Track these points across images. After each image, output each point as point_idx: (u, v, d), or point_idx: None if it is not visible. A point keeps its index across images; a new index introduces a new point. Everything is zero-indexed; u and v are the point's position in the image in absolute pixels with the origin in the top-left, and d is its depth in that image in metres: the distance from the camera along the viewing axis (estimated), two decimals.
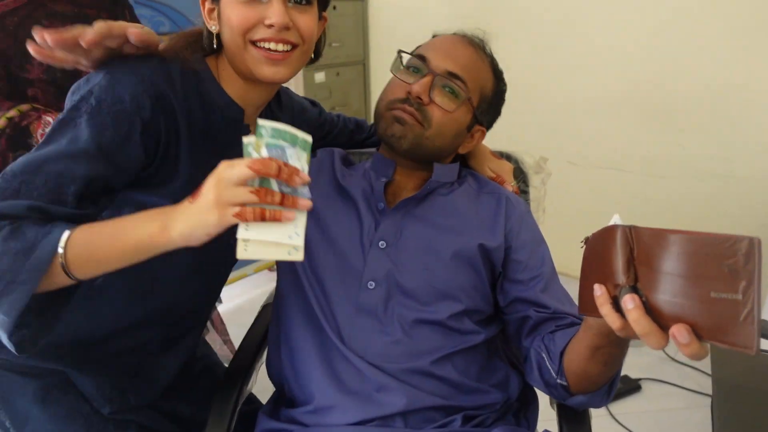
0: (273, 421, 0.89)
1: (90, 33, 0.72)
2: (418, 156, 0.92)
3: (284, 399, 0.93)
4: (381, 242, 0.88)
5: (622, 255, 0.56)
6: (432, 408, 0.83)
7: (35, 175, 0.66)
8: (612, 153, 2.26)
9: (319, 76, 2.70)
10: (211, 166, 0.64)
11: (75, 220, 0.67)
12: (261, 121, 0.63)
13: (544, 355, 0.82)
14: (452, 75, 0.89)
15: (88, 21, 1.06)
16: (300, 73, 2.62)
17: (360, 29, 2.84)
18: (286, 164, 0.62)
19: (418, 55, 0.91)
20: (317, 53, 0.90)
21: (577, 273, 0.67)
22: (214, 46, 0.82)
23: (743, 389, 0.74)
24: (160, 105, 0.74)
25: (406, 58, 0.94)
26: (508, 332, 0.93)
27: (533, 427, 0.94)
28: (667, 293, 0.52)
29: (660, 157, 2.14)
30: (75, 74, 0.88)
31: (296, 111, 1.04)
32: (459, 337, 0.86)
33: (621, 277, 0.56)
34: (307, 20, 0.79)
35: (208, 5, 0.81)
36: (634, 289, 0.55)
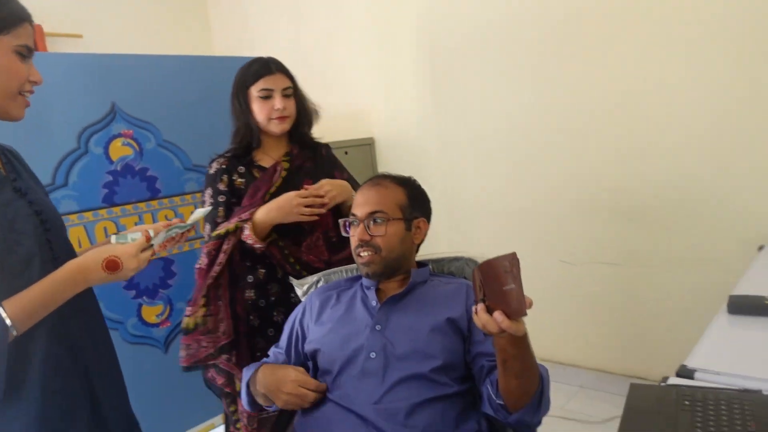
0: None
1: None
2: (389, 271, 1.31)
3: None
4: (377, 326, 1.24)
5: (476, 282, 0.94)
6: None
7: None
8: (598, 250, 2.57)
9: None
10: None
11: None
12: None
13: (488, 386, 1.11)
14: (372, 213, 1.29)
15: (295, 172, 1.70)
16: None
17: (369, 168, 3.32)
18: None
19: (352, 214, 1.33)
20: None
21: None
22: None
23: (643, 413, 0.99)
24: None
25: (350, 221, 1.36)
26: (477, 384, 1.20)
27: None
28: (492, 296, 0.92)
29: (640, 250, 2.45)
30: None
31: None
32: (438, 387, 1.15)
33: (479, 295, 0.94)
34: None
35: None
36: (483, 301, 0.93)
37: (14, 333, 0.91)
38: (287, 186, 1.60)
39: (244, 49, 3.68)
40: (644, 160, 2.39)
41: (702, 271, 2.29)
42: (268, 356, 1.40)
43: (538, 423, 1.10)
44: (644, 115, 2.36)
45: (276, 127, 1.63)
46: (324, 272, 1.60)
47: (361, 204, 1.31)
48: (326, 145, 1.81)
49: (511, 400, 1.06)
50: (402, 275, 1.33)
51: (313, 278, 1.59)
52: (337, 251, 1.66)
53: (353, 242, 1.31)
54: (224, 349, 1.57)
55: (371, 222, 1.29)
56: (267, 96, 1.60)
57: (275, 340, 1.50)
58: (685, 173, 2.29)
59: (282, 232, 1.59)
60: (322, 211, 1.55)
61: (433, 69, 3.01)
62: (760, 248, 2.03)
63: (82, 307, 1.10)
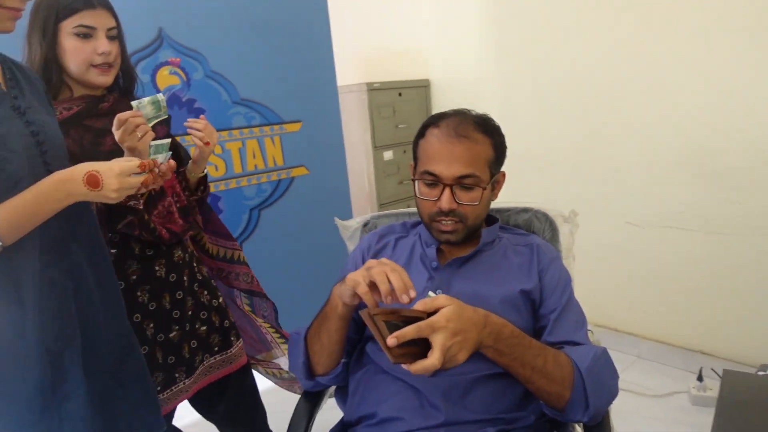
0: None
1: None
2: (469, 238, 1.13)
3: (351, 421, 1.10)
4: (437, 290, 1.08)
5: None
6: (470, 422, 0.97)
7: None
8: (668, 212, 2.35)
9: (388, 155, 2.99)
10: None
11: None
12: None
13: None
14: (463, 177, 1.06)
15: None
16: (370, 152, 2.92)
17: (424, 111, 3.14)
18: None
19: (427, 172, 1.08)
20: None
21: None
22: None
23: (745, 405, 0.85)
24: None
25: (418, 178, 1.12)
26: None
27: None
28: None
29: (716, 214, 2.21)
30: None
31: None
32: None
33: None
34: None
35: None
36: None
37: (1, 243, 0.90)
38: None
39: None
40: (731, 118, 2.11)
41: None
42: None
43: (599, 417, 0.98)
44: (734, 70, 2.07)
45: (97, 78, 1.28)
46: (373, 215, 1.48)
47: (446, 161, 1.05)
48: None
49: (543, 398, 0.96)
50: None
51: (360, 220, 1.47)
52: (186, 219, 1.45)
53: (426, 207, 1.10)
54: None
55: (458, 187, 1.07)
56: (86, 35, 1.24)
57: (141, 325, 1.34)
58: None
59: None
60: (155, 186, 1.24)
61: (498, 8, 2.75)
62: None
63: (81, 230, 1.07)
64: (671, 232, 2.36)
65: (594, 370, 0.94)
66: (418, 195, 1.12)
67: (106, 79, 1.31)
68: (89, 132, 1.30)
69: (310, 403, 1.15)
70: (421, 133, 1.13)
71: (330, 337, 1.03)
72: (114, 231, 1.30)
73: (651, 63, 2.29)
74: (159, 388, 1.40)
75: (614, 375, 1.00)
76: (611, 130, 2.46)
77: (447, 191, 1.05)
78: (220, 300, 1.56)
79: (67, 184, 0.94)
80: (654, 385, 2.28)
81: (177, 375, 1.44)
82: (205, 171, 1.50)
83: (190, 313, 1.46)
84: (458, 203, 1.07)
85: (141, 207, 1.28)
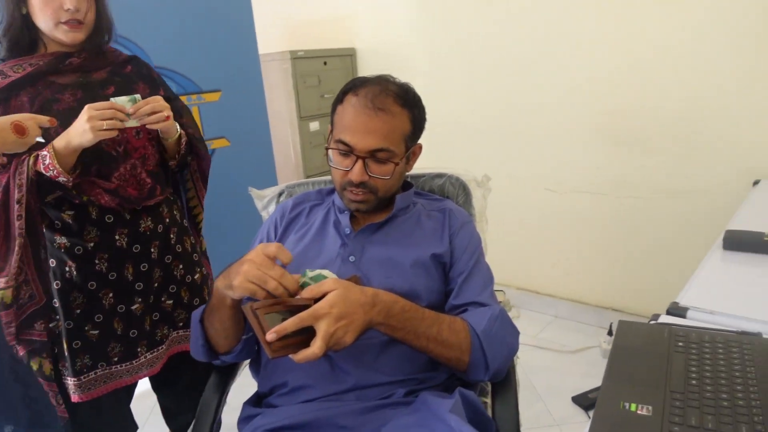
0: (254, 408, 1.07)
1: None
2: (380, 208, 1.14)
3: (264, 392, 1.09)
4: (351, 257, 1.09)
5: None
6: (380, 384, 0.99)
7: None
8: (585, 178, 2.47)
9: (314, 125, 2.95)
10: None
11: None
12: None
13: None
14: (376, 150, 1.04)
15: (93, 88, 1.31)
16: (295, 123, 2.87)
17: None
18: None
19: (341, 141, 1.05)
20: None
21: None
22: None
23: (634, 350, 0.92)
24: None
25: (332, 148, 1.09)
26: None
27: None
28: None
29: (629, 179, 2.35)
30: None
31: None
32: None
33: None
34: None
35: None
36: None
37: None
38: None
39: None
40: (640, 84, 2.22)
41: (694, 203, 2.20)
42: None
43: (501, 374, 1.03)
44: (645, 35, 2.17)
45: (66, 35, 1.25)
46: (288, 184, 1.46)
47: (361, 133, 1.03)
48: (138, 60, 1.46)
49: (447, 366, 1.00)
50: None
51: (275, 190, 1.45)
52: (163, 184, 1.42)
53: (339, 176, 1.09)
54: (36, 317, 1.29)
55: (372, 160, 1.05)
56: None
57: (97, 294, 1.32)
58: (683, 100, 2.14)
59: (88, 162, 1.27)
60: (123, 125, 1.21)
61: None
62: (756, 183, 1.94)
63: None
64: (585, 196, 2.48)
65: (490, 331, 0.98)
66: (330, 163, 1.11)
67: (75, 35, 1.26)
68: (50, 88, 1.27)
69: (222, 376, 1.14)
70: (340, 98, 1.10)
71: (223, 324, 1.01)
72: (43, 203, 1.27)
73: (569, 34, 2.36)
74: (116, 359, 1.37)
75: (513, 332, 1.04)
76: (531, 99, 2.53)
77: (359, 163, 1.04)
78: (196, 277, 1.51)
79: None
80: (569, 342, 2.43)
81: (139, 349, 1.41)
82: (179, 132, 1.39)
83: (156, 285, 1.41)
84: (369, 175, 1.06)
85: (71, 185, 1.22)
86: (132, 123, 1.22)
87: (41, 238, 1.28)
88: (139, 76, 1.42)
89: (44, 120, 1.14)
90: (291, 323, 0.81)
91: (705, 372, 0.83)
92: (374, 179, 1.06)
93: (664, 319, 1.04)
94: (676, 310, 1.06)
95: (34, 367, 1.29)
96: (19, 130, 1.10)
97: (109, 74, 1.36)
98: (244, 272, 0.87)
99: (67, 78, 1.29)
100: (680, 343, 0.91)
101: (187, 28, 2.15)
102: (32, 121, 1.13)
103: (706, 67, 2.07)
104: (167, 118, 1.28)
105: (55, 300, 1.31)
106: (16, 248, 1.19)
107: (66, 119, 1.21)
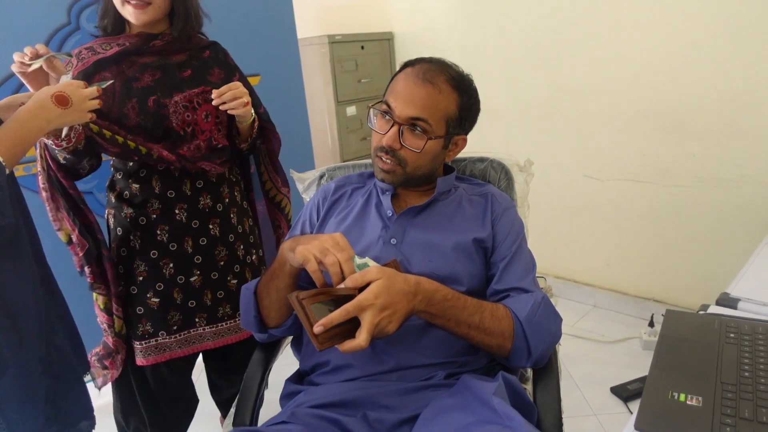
0: (296, 385, 1.08)
1: None
2: (410, 185, 1.14)
3: (306, 370, 1.11)
4: (392, 239, 1.09)
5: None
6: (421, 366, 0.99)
7: None
8: (627, 165, 2.40)
9: (351, 110, 2.95)
10: None
11: None
12: None
13: None
14: (414, 119, 1.05)
15: (171, 69, 1.35)
16: (333, 107, 2.87)
17: (387, 66, 3.09)
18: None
19: (385, 102, 1.09)
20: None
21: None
22: None
23: (683, 341, 0.89)
24: None
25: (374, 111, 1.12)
26: None
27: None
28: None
29: (674, 167, 2.27)
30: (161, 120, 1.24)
31: None
32: None
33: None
34: None
35: None
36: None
37: (6, 170, 0.96)
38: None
39: None
40: (686, 69, 2.14)
41: (742, 192, 2.11)
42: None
43: (543, 361, 1.02)
44: (690, 20, 2.08)
45: (131, 15, 1.29)
46: (329, 167, 1.46)
47: (404, 98, 1.05)
48: (217, 46, 1.50)
49: (489, 353, 1.00)
50: (426, 185, 1.17)
51: (315, 173, 1.46)
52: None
53: (375, 140, 1.11)
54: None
55: (408, 128, 1.07)
56: None
57: (158, 263, 1.38)
58: (730, 86, 2.05)
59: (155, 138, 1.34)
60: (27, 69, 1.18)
61: None
62: None
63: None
64: (628, 184, 2.41)
65: (533, 318, 0.97)
66: (369, 124, 1.14)
67: (140, 16, 1.29)
68: (132, 67, 1.33)
69: (266, 353, 1.16)
70: (399, 70, 1.13)
71: (279, 293, 1.03)
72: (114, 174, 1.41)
73: (613, 16, 2.28)
74: (175, 328, 1.44)
75: (556, 319, 1.03)
76: (572, 83, 2.47)
77: (395, 128, 1.06)
78: (253, 258, 1.56)
79: (40, 103, 1.02)
80: (608, 332, 2.38)
81: (197, 320, 1.46)
82: (253, 116, 1.45)
83: (222, 263, 1.47)
84: (401, 144, 1.07)
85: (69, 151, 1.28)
86: (36, 64, 1.14)
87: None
88: (215, 62, 1.47)
89: (90, 89, 1.11)
90: (337, 315, 0.81)
91: (759, 364, 0.80)
92: (405, 150, 1.07)
93: (713, 309, 1.01)
94: (726, 301, 1.03)
95: (94, 296, 1.42)
96: (62, 100, 1.04)
97: (187, 57, 1.41)
98: (314, 243, 0.90)
99: (148, 58, 1.35)
100: (732, 334, 0.88)
101: (227, 12, 2.16)
102: (75, 87, 1.07)
103: (755, 52, 1.98)
104: (246, 104, 1.33)
105: (121, 267, 1.41)
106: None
107: (143, 96, 1.31)
